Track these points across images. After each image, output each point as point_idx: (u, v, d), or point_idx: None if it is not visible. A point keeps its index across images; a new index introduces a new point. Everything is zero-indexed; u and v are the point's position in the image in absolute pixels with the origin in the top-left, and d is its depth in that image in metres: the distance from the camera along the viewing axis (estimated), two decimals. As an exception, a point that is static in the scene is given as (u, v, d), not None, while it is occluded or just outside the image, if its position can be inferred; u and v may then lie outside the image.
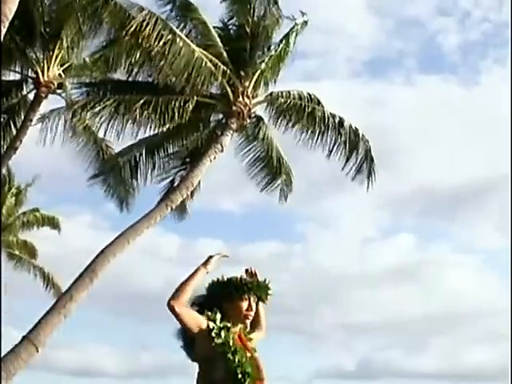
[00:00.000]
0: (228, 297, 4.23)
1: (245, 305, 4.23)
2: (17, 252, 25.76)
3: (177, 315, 4.00)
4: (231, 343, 4.07)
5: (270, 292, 4.34)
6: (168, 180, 17.38)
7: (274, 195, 17.84)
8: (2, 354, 13.28)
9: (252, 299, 4.26)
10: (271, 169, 17.32)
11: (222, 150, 15.84)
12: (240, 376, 4.02)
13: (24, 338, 13.34)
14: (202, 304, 4.26)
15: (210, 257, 4.29)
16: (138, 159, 17.12)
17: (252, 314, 4.27)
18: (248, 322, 4.29)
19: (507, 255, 31.95)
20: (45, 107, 17.54)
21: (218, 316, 4.14)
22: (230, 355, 4.03)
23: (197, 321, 4.07)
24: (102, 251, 14.13)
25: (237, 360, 4.02)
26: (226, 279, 4.29)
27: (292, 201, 18.20)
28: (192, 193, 16.95)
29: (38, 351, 13.29)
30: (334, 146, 16.47)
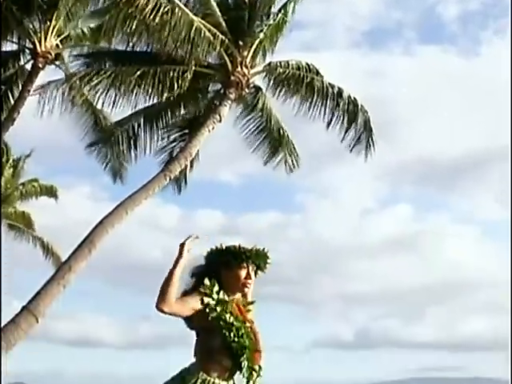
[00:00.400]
0: (226, 265, 4.21)
1: (243, 273, 4.22)
2: (15, 223, 25.78)
3: (170, 315, 3.99)
4: (227, 318, 4.07)
5: (268, 261, 4.32)
6: (167, 151, 17.35)
7: (274, 166, 17.75)
8: (2, 324, 13.33)
9: (251, 268, 4.25)
10: (271, 139, 17.24)
11: (221, 121, 15.78)
12: (235, 351, 4.04)
13: (24, 308, 13.37)
14: (200, 273, 4.26)
15: (182, 245, 4.23)
16: (136, 129, 17.06)
17: (250, 282, 4.25)
18: (247, 290, 4.28)
19: (507, 226, 32.13)
20: (42, 78, 17.43)
21: (215, 288, 4.13)
22: (225, 330, 4.03)
23: (191, 306, 4.06)
24: (101, 222, 14.12)
25: (232, 335, 4.03)
26: (224, 247, 4.27)
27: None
28: (191, 164, 16.92)
29: (37, 322, 13.33)
30: (332, 116, 16.39)
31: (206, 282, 4.12)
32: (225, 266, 4.21)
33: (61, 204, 26.69)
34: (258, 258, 4.27)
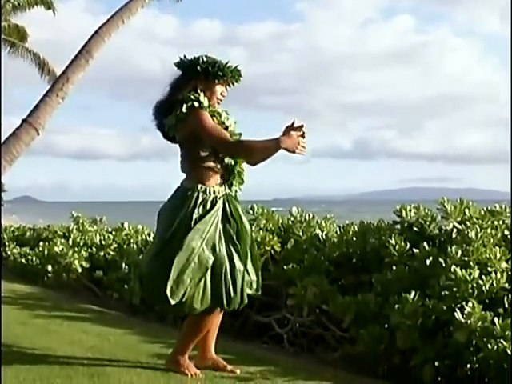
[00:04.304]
0: (213, 77, 4.02)
1: (220, 89, 4.07)
2: (10, 38, 25.18)
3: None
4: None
5: (241, 79, 4.15)
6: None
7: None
8: (4, 139, 13.38)
9: (226, 85, 4.10)
10: None
11: None
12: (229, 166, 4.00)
13: (24, 121, 13.39)
14: (177, 83, 4.06)
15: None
16: None
17: (223, 99, 4.12)
18: (217, 106, 4.11)
19: (508, 42, 31.23)
20: None
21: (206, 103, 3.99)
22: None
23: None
24: (96, 32, 13.83)
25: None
26: (209, 59, 4.03)
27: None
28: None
29: (38, 134, 13.39)
30: None
31: (203, 99, 3.97)
32: (204, 77, 4.01)
33: (56, 18, 25.85)
34: (235, 78, 4.10)
